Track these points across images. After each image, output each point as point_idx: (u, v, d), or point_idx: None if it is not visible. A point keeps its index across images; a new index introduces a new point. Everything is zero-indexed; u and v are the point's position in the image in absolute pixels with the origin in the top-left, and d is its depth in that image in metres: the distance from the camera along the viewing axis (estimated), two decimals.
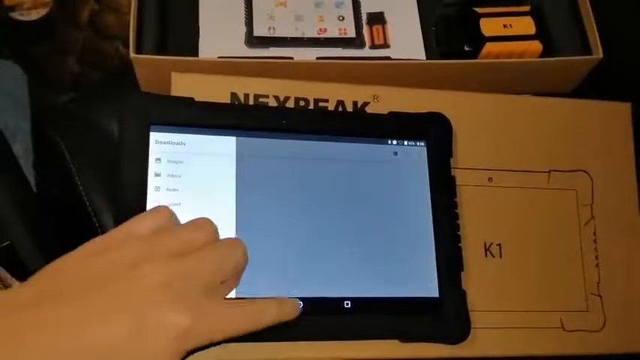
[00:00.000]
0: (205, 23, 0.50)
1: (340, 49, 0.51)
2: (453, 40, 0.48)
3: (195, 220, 0.30)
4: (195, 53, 0.49)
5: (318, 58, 0.48)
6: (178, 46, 0.49)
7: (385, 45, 0.51)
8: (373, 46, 0.51)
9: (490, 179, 0.45)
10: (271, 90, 0.43)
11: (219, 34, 0.50)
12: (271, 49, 0.50)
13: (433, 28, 0.50)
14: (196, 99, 0.41)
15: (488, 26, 0.47)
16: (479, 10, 0.48)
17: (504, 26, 0.48)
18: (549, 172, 0.46)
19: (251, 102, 0.43)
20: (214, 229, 0.30)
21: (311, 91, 0.44)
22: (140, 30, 0.48)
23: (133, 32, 0.44)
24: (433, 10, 0.51)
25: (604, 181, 0.47)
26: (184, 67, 0.44)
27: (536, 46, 0.47)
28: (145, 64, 0.45)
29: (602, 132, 0.48)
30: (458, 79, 0.48)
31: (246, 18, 0.51)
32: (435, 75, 0.48)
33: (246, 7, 0.51)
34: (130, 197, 0.37)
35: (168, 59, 0.44)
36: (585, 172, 0.47)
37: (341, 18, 0.52)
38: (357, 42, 0.51)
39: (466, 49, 0.47)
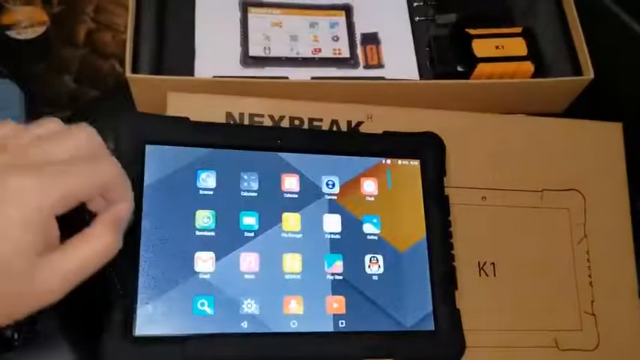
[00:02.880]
0: (201, 43, 0.50)
1: (335, 68, 0.51)
2: (446, 60, 0.49)
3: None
4: (191, 73, 0.49)
5: (312, 78, 0.49)
6: (174, 66, 0.49)
7: (379, 65, 0.52)
8: (367, 66, 0.52)
9: (484, 198, 0.46)
10: (266, 109, 0.44)
11: (214, 54, 0.50)
12: (266, 68, 0.50)
13: (427, 49, 0.50)
14: (192, 118, 0.41)
15: (481, 47, 0.48)
16: (471, 31, 0.49)
17: (496, 47, 0.48)
18: (542, 191, 0.47)
19: (246, 121, 0.43)
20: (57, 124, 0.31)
21: (305, 110, 0.44)
22: (136, 50, 0.48)
23: (129, 52, 0.45)
24: (426, 31, 0.52)
25: (597, 200, 0.47)
26: (180, 87, 0.44)
27: (528, 66, 0.48)
28: (140, 83, 0.45)
29: (595, 151, 0.48)
30: (451, 98, 0.49)
31: (242, 38, 0.51)
32: (428, 95, 0.48)
33: (241, 28, 0.52)
34: None
35: (163, 79, 0.45)
36: (578, 191, 0.47)
37: (335, 38, 0.53)
38: (351, 62, 0.52)
39: (459, 69, 0.48)
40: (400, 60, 0.52)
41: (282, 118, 0.44)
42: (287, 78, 0.48)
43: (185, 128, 0.40)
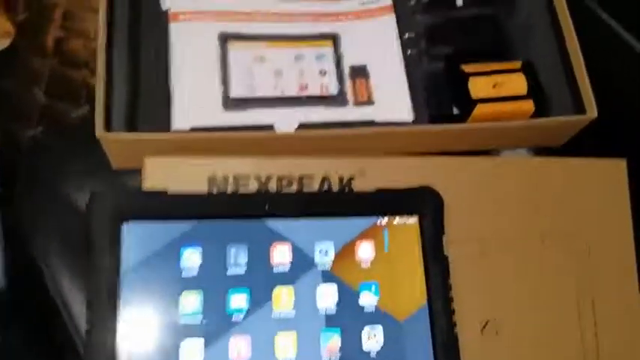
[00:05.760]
0: (177, 84, 0.47)
1: (322, 107, 0.48)
2: (441, 102, 0.46)
3: None
4: (168, 118, 0.45)
5: (299, 125, 0.45)
6: (149, 110, 0.46)
7: (369, 101, 0.48)
8: (357, 103, 0.48)
9: (483, 250, 0.43)
10: (252, 169, 0.41)
11: (193, 96, 0.47)
12: (249, 111, 0.47)
13: (420, 88, 0.47)
14: (172, 186, 0.38)
15: (478, 87, 0.45)
16: (467, 68, 0.46)
17: (494, 86, 0.45)
18: (544, 240, 0.44)
19: (230, 183, 0.40)
20: None
21: (294, 167, 0.41)
22: (108, 96, 0.45)
23: (100, 108, 0.41)
24: (418, 61, 0.49)
25: (601, 246, 0.45)
26: (157, 144, 0.41)
27: (529, 105, 0.45)
28: (114, 141, 0.42)
29: (598, 192, 0.46)
30: (447, 141, 0.46)
31: (222, 76, 0.48)
32: (423, 139, 0.46)
33: (221, 64, 0.48)
34: (102, 303, 0.35)
35: (138, 138, 0.41)
36: (581, 238, 0.45)
37: (322, 72, 0.50)
38: (339, 99, 0.49)
39: (455, 112, 0.45)
40: (391, 96, 0.48)
41: (269, 178, 0.41)
42: (272, 127, 0.45)
43: (164, 202, 0.37)
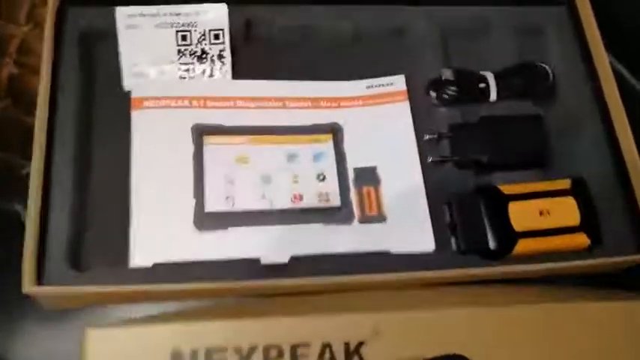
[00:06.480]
0: (138, 200, 0.37)
1: (321, 225, 0.38)
2: (472, 231, 0.36)
3: None
4: (125, 244, 0.35)
5: (291, 259, 0.35)
6: (101, 244, 0.36)
7: (380, 217, 0.39)
8: (364, 220, 0.39)
9: None
10: (229, 338, 0.31)
11: (157, 216, 0.37)
12: (229, 230, 0.37)
13: (444, 207, 0.38)
14: None
15: (520, 215, 0.36)
16: (506, 189, 0.36)
17: (540, 213, 0.36)
18: None
19: (201, 359, 0.30)
20: None
21: (285, 333, 0.31)
22: (47, 216, 0.35)
23: (30, 251, 0.31)
24: (441, 170, 0.40)
25: None
26: (104, 296, 0.31)
27: (582, 240, 0.36)
28: (47, 296, 0.31)
29: None
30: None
31: (195, 184, 0.38)
32: (449, 278, 0.36)
33: (195, 168, 0.39)
34: None
35: (80, 292, 0.31)
36: None
37: (321, 177, 0.40)
38: (343, 213, 0.39)
39: (492, 248, 0.35)
40: (407, 213, 0.39)
41: (252, 349, 0.31)
42: (259, 261, 0.35)
43: None
